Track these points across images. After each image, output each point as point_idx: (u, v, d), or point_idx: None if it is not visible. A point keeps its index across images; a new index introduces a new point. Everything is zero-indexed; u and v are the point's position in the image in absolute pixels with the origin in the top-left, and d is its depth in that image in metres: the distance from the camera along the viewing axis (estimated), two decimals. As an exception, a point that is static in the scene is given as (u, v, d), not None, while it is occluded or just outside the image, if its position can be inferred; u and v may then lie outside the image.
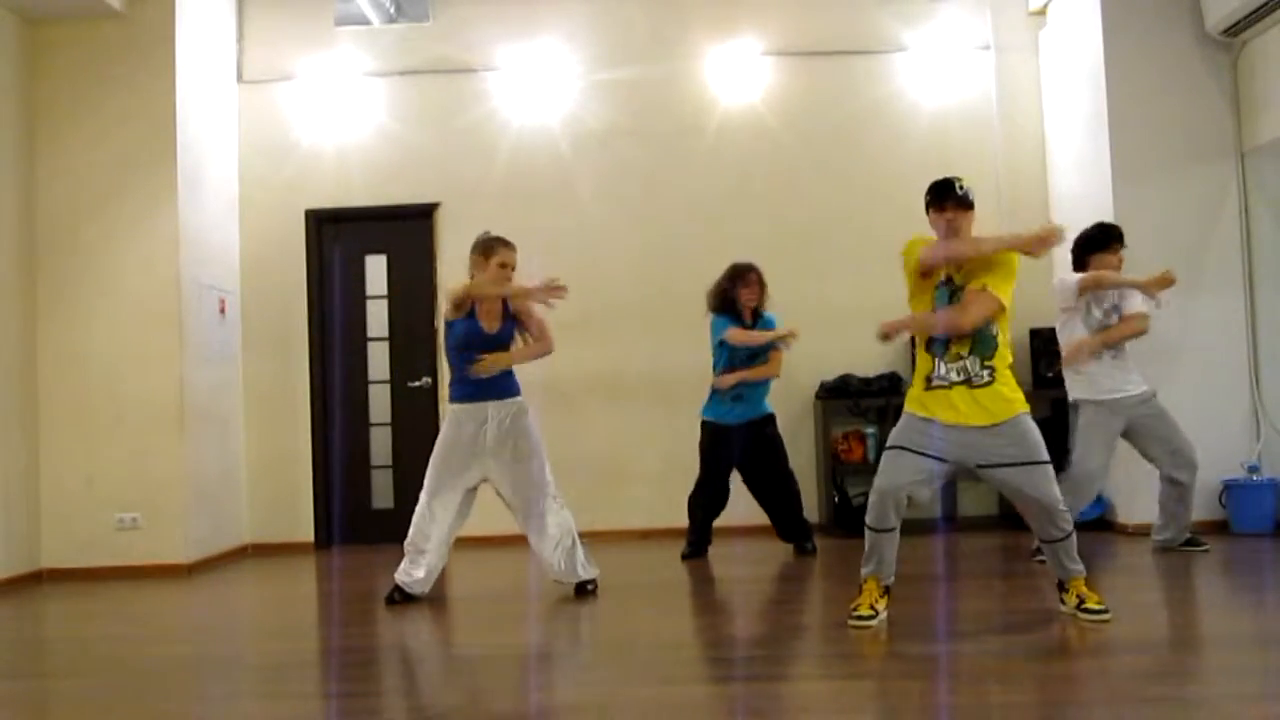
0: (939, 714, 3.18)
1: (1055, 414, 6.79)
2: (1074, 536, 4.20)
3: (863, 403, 7.20)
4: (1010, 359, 4.23)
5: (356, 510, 7.49)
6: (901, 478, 4.17)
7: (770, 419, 6.24)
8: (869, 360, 7.28)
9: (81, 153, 6.64)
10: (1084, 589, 4.24)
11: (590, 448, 7.37)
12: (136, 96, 6.64)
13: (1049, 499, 4.10)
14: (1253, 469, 6.27)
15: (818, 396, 7.20)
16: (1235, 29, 6.31)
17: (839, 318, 7.14)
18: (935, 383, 4.19)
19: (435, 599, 5.40)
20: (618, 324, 7.37)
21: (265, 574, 6.73)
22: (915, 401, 4.24)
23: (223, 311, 7.25)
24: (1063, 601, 4.30)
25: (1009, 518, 6.43)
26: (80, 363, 6.56)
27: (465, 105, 7.58)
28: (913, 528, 7.02)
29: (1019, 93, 7.51)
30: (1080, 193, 6.98)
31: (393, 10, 7.62)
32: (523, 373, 7.34)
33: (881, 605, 4.26)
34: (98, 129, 6.65)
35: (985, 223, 7.27)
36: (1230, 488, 6.31)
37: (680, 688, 3.68)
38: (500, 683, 3.83)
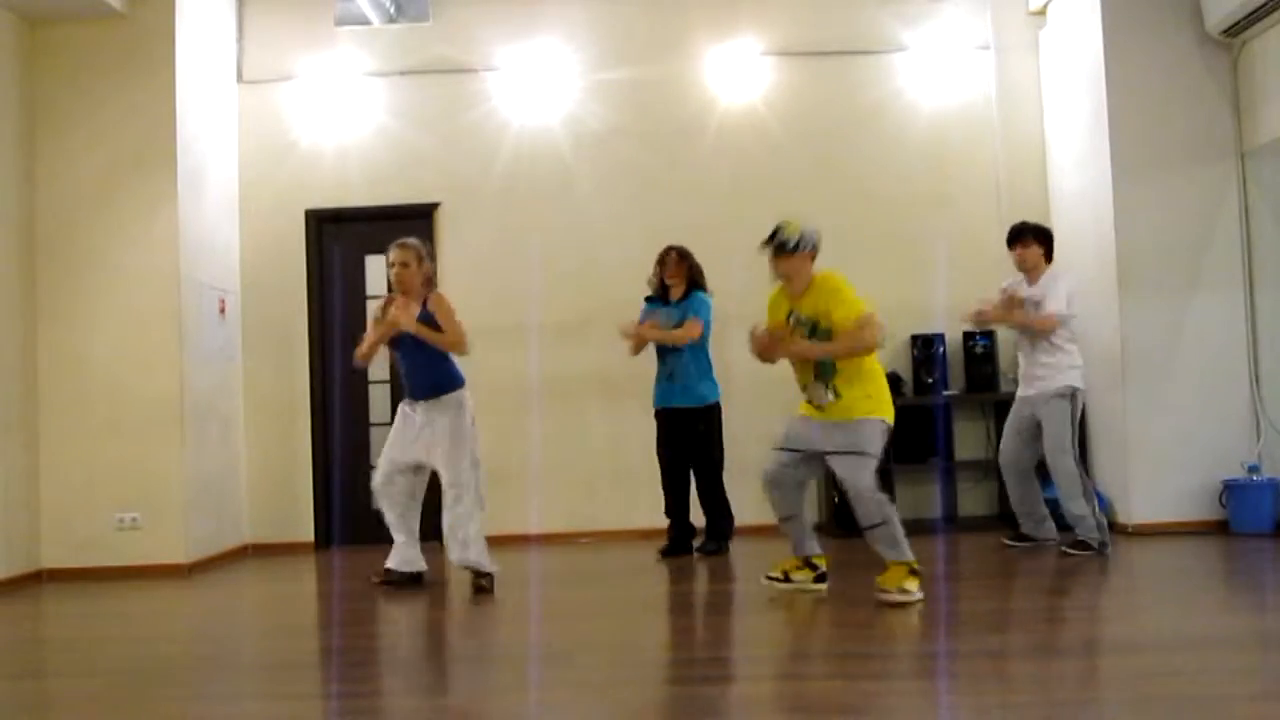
0: (939, 714, 3.18)
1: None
2: (886, 528, 4.64)
3: (863, 403, 7.18)
4: (870, 373, 4.76)
5: (356, 510, 7.48)
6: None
7: None
8: (869, 360, 7.28)
9: (81, 153, 6.64)
10: (902, 575, 4.67)
11: (590, 447, 7.37)
12: (136, 96, 6.64)
13: (857, 485, 4.61)
14: (1253, 469, 6.27)
15: (818, 396, 7.19)
16: (1235, 29, 6.31)
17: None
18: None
19: (435, 598, 5.41)
20: (618, 323, 7.35)
21: (265, 574, 6.73)
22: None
23: (223, 311, 7.25)
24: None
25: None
26: (80, 362, 6.56)
27: (465, 105, 7.58)
28: (913, 528, 7.04)
29: (1019, 93, 7.51)
30: (1080, 193, 6.99)
31: (393, 10, 7.62)
32: (523, 372, 7.37)
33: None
34: (98, 129, 6.65)
35: (984, 223, 7.37)
36: (1230, 488, 6.31)
37: (681, 688, 3.68)
38: (500, 682, 3.82)
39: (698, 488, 6.35)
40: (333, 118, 7.57)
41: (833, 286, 4.73)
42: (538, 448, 7.29)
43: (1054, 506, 6.04)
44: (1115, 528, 6.57)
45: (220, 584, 6.32)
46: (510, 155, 7.54)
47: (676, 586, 5.74)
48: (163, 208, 6.63)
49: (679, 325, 6.26)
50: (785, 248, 4.74)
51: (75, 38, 6.64)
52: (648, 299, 6.50)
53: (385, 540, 5.71)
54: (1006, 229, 6.28)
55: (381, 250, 7.70)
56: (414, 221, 7.55)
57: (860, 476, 4.61)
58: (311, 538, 7.45)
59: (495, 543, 7.03)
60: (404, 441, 5.52)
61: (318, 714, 3.54)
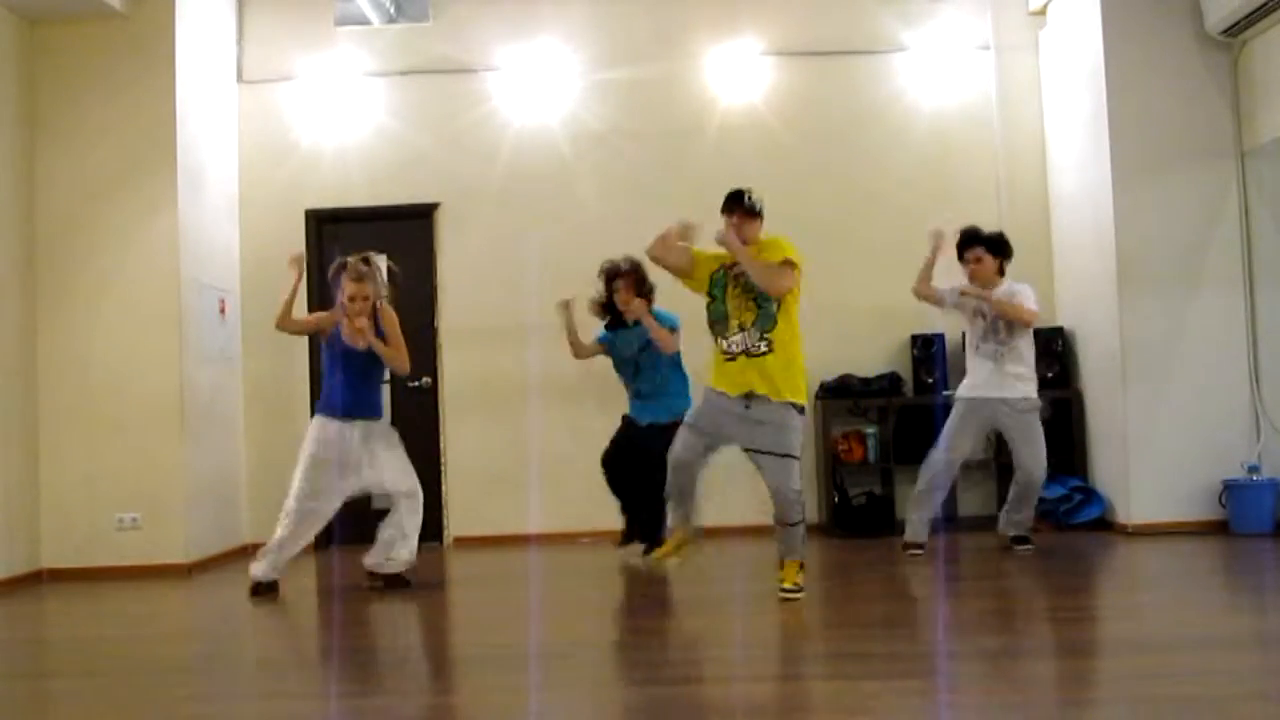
0: (939, 714, 3.18)
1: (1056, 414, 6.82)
2: (802, 526, 4.86)
3: (863, 403, 7.20)
4: (800, 350, 4.87)
5: (356, 510, 7.47)
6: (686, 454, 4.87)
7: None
8: (869, 360, 7.29)
9: (81, 153, 6.63)
10: (793, 572, 4.90)
11: (590, 447, 7.35)
12: (136, 96, 6.63)
13: (785, 488, 4.79)
14: (1253, 469, 6.27)
15: (818, 397, 7.19)
16: (1235, 29, 6.31)
17: (838, 318, 7.14)
18: (724, 359, 4.88)
19: (434, 598, 5.41)
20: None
21: (265, 574, 6.72)
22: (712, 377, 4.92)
23: (223, 311, 7.25)
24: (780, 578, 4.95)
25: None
26: (80, 363, 6.55)
27: (465, 105, 7.57)
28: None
29: (1019, 93, 7.50)
30: (1080, 193, 6.99)
31: (393, 10, 7.62)
32: (523, 372, 7.34)
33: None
34: (98, 129, 6.65)
35: (984, 223, 7.31)
36: (1230, 488, 6.31)
37: (681, 688, 3.68)
38: (500, 682, 3.82)
39: (644, 494, 5.92)
40: (333, 118, 7.57)
41: (781, 246, 4.94)
42: (538, 448, 7.29)
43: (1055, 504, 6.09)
44: (1115, 528, 6.59)
45: (220, 584, 6.32)
46: (510, 155, 7.54)
47: (676, 586, 5.74)
48: (163, 208, 6.62)
49: (643, 349, 6.10)
50: (755, 210, 4.98)
51: (75, 38, 6.64)
52: (607, 327, 6.25)
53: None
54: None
55: (382, 250, 7.70)
56: (414, 221, 7.57)
57: (790, 479, 4.79)
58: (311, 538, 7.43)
59: (496, 543, 7.06)
60: (345, 467, 5.56)
61: (318, 714, 3.54)
